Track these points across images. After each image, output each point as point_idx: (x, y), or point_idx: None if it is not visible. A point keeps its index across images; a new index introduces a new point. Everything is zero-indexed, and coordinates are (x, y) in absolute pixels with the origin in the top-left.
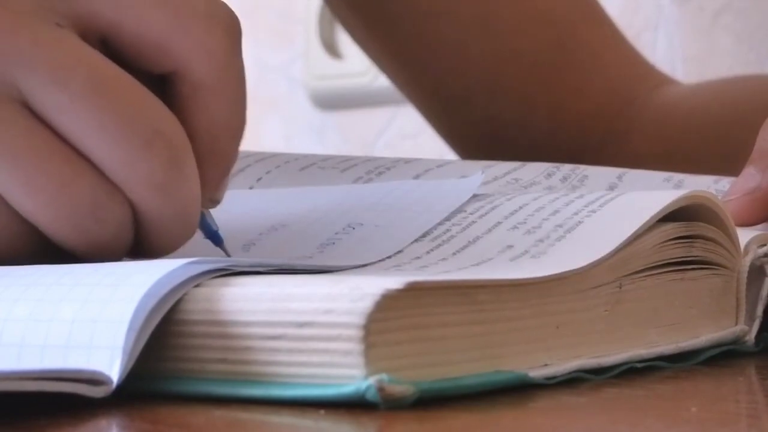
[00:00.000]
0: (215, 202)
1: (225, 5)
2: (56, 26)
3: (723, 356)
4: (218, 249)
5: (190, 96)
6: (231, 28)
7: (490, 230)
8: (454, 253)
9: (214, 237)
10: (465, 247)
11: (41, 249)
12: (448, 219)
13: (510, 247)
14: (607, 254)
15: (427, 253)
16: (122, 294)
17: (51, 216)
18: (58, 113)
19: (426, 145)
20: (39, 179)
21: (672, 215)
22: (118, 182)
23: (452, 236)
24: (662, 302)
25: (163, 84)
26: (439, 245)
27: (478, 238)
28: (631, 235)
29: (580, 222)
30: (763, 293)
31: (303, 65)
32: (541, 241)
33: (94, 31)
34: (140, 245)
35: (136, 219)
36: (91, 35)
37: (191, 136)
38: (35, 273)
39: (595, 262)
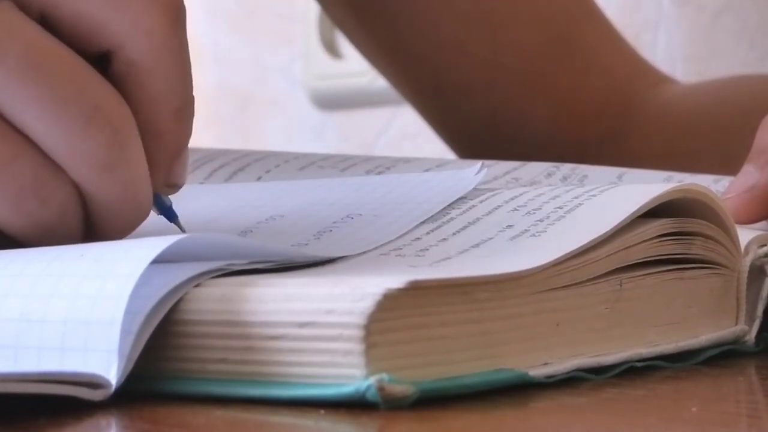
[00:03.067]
0: (172, 186)
1: None
2: None
3: (723, 356)
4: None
5: (126, 74)
6: (171, 7)
7: (490, 212)
8: (454, 233)
9: (167, 213)
10: (465, 227)
11: None
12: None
13: (510, 226)
14: (607, 232)
15: (427, 234)
16: (110, 289)
17: None
18: None
19: (426, 146)
20: None
21: (671, 212)
22: (60, 161)
23: (452, 218)
24: (662, 301)
25: (104, 66)
26: (439, 227)
27: (478, 219)
28: (632, 214)
29: (580, 204)
30: (764, 293)
31: (303, 65)
32: (540, 221)
33: (33, 7)
34: (92, 230)
35: (84, 202)
36: (30, 11)
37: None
38: (17, 260)
39: (594, 239)
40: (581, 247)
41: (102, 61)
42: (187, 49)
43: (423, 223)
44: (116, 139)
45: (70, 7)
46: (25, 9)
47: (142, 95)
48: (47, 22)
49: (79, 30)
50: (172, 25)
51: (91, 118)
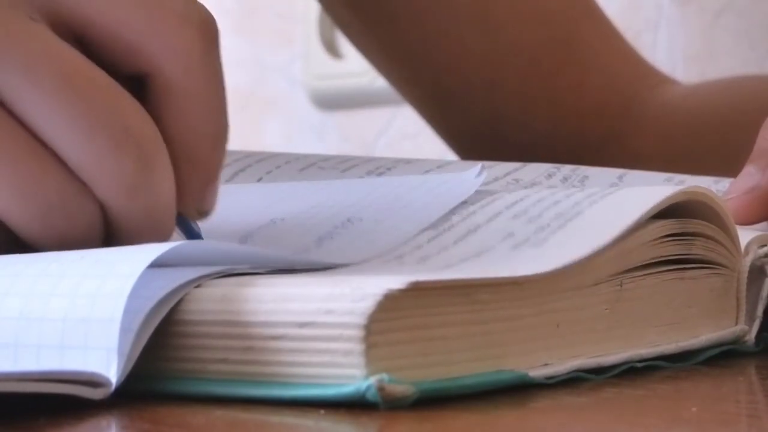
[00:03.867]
0: (204, 213)
1: (202, 7)
2: (30, 20)
3: (723, 356)
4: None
5: (162, 99)
6: (206, 31)
7: (491, 219)
8: (455, 242)
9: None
10: (466, 235)
11: (8, 242)
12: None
13: (511, 235)
14: (609, 242)
15: (428, 242)
16: (110, 287)
17: (19, 212)
18: (29, 108)
19: (426, 146)
20: (7, 175)
21: (672, 213)
22: (87, 180)
23: (453, 225)
24: (662, 301)
25: (140, 89)
26: (440, 234)
27: (479, 226)
28: (633, 223)
29: (580, 212)
30: (764, 293)
31: (303, 65)
32: (542, 229)
33: (69, 28)
34: (110, 246)
35: (106, 219)
36: (66, 32)
37: (166, 141)
38: (19, 262)
39: (596, 250)
40: (582, 258)
41: (140, 86)
42: (223, 73)
43: (424, 229)
44: (144, 162)
45: (105, 29)
46: (59, 30)
47: (179, 120)
48: (82, 44)
49: (114, 52)
50: (208, 49)
51: (120, 140)
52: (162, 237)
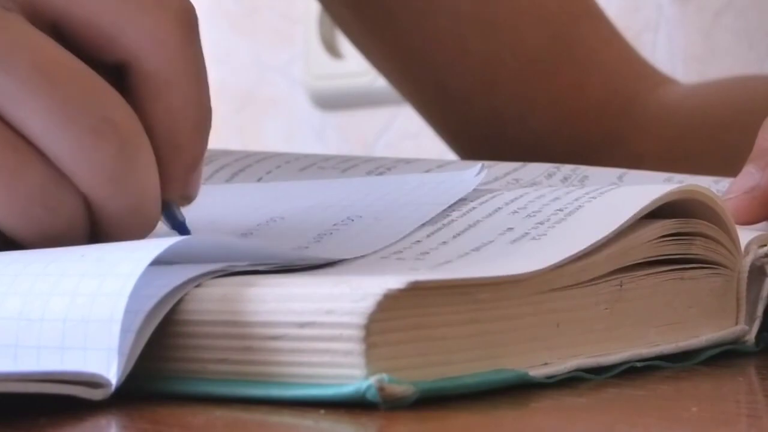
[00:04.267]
0: (187, 198)
1: None
2: (3, 9)
3: (723, 356)
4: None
5: (142, 87)
6: (184, 18)
7: (490, 215)
8: (454, 237)
9: (180, 228)
10: (465, 230)
11: None
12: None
13: (510, 229)
14: (608, 235)
15: (428, 236)
16: (110, 287)
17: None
18: (5, 99)
19: (426, 145)
20: None
21: (672, 212)
22: (67, 171)
23: (453, 220)
24: (662, 301)
25: (120, 78)
26: (440, 229)
27: (478, 221)
28: (632, 217)
29: (580, 206)
30: (764, 293)
31: (303, 65)
32: (541, 223)
33: (44, 18)
34: (97, 238)
35: (90, 211)
36: (41, 22)
37: (148, 129)
38: (18, 262)
39: (595, 243)
40: (582, 251)
41: (120, 74)
42: (203, 60)
43: (423, 225)
44: (124, 150)
45: (79, 18)
46: (36, 20)
47: (160, 108)
48: (60, 33)
49: (92, 41)
50: (186, 36)
51: (99, 129)
52: (147, 227)
